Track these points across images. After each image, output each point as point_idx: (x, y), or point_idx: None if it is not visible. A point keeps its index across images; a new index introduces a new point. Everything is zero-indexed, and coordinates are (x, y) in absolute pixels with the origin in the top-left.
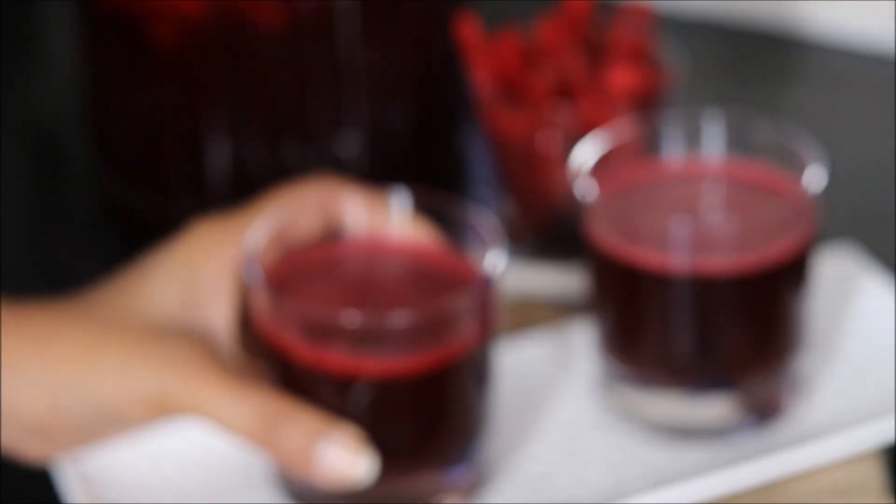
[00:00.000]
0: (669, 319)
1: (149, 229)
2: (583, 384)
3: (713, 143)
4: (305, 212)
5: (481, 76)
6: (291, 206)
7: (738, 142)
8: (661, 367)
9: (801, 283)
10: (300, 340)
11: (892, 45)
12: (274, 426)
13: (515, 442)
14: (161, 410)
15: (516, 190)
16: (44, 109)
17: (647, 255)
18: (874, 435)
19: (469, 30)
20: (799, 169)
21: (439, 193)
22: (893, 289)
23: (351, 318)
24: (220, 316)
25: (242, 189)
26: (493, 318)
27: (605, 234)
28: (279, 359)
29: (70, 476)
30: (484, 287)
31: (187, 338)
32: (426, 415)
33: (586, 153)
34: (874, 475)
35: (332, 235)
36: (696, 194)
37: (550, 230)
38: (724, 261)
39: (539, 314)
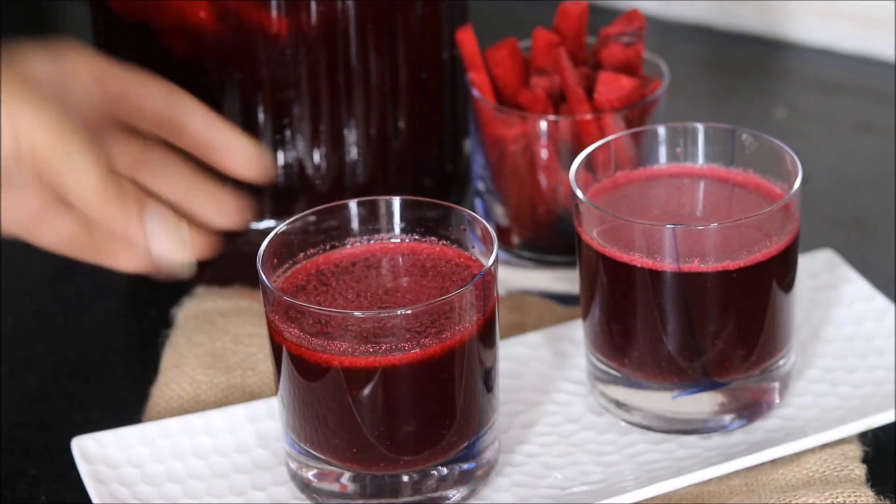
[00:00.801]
0: (658, 320)
1: None
2: (576, 383)
3: (700, 149)
4: (80, 77)
5: (479, 84)
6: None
7: (723, 148)
8: (651, 365)
9: (783, 285)
10: (305, 335)
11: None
12: (117, 190)
13: (510, 439)
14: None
15: (512, 193)
16: None
17: (635, 258)
18: (855, 430)
19: (468, 39)
20: (782, 174)
21: (439, 196)
22: (872, 293)
23: (353, 313)
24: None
25: (250, 191)
26: (491, 316)
27: (595, 236)
28: (284, 352)
29: (84, 475)
30: (481, 286)
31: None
32: (427, 410)
33: (579, 159)
34: (855, 470)
35: None
36: (683, 199)
37: (545, 232)
38: (709, 263)
39: (534, 314)
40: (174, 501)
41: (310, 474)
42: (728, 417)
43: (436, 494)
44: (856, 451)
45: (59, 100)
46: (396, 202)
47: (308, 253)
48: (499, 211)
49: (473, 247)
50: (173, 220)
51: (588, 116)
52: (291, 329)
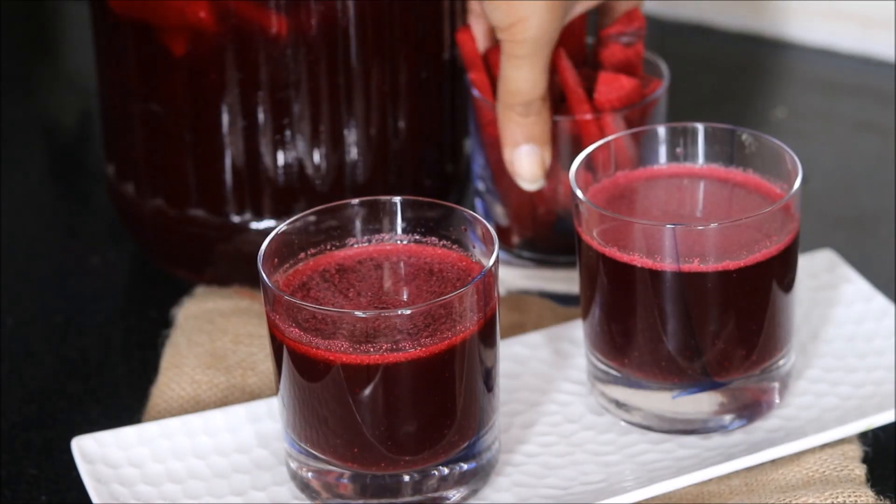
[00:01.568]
0: (658, 320)
1: (161, 233)
2: (576, 383)
3: (700, 149)
4: None
5: (479, 84)
6: None
7: (723, 148)
8: (651, 365)
9: (783, 285)
10: (306, 335)
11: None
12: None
13: (510, 439)
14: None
15: (512, 193)
16: (61, 115)
17: (635, 258)
18: (855, 430)
19: (468, 39)
20: (782, 174)
21: (439, 196)
22: (872, 293)
23: (354, 313)
24: None
25: (253, 193)
26: (491, 316)
27: (595, 236)
28: (284, 352)
29: (84, 475)
30: (482, 286)
31: None
32: (427, 410)
33: (579, 159)
34: (855, 470)
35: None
36: (683, 199)
37: (545, 232)
38: (709, 263)
39: (534, 314)
40: (174, 501)
41: (310, 474)
42: (728, 417)
43: (436, 494)
44: (856, 451)
45: None
46: (397, 202)
47: (308, 253)
48: (499, 211)
49: (474, 247)
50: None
51: (588, 116)
52: (292, 329)
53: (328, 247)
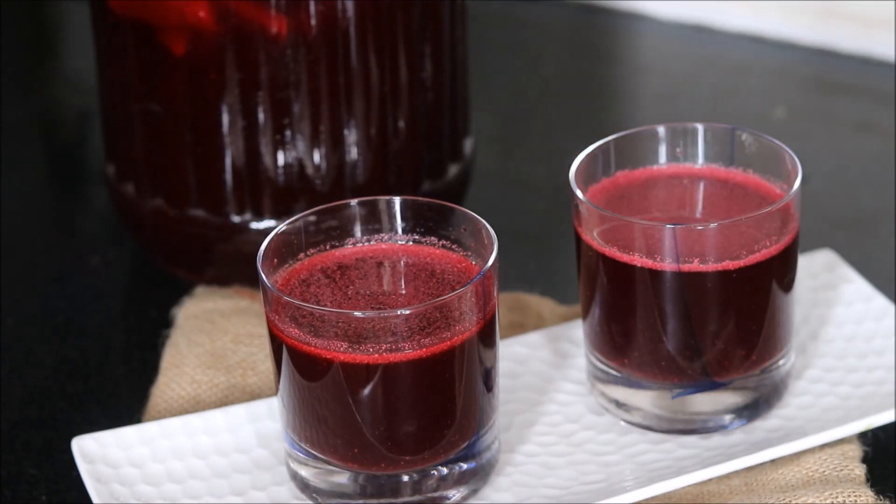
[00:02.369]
0: (658, 320)
1: (161, 233)
2: (576, 383)
3: (699, 149)
4: None
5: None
6: None
7: (723, 148)
8: (651, 365)
9: (783, 285)
10: (305, 335)
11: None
12: None
13: (510, 439)
14: None
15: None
16: (61, 115)
17: (635, 258)
18: (855, 430)
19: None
20: (782, 174)
21: (439, 196)
22: (872, 293)
23: (353, 313)
24: None
25: (253, 193)
26: (491, 316)
27: (595, 236)
28: (284, 352)
29: (84, 475)
30: (482, 286)
31: None
32: (427, 410)
33: (579, 159)
34: (855, 470)
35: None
36: (683, 199)
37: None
38: (709, 263)
39: (534, 314)
40: (174, 501)
41: (310, 474)
42: (728, 417)
43: (436, 494)
44: (856, 450)
45: None
46: (397, 202)
47: (308, 253)
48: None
49: (474, 247)
50: None
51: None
52: (291, 329)
53: (328, 247)
